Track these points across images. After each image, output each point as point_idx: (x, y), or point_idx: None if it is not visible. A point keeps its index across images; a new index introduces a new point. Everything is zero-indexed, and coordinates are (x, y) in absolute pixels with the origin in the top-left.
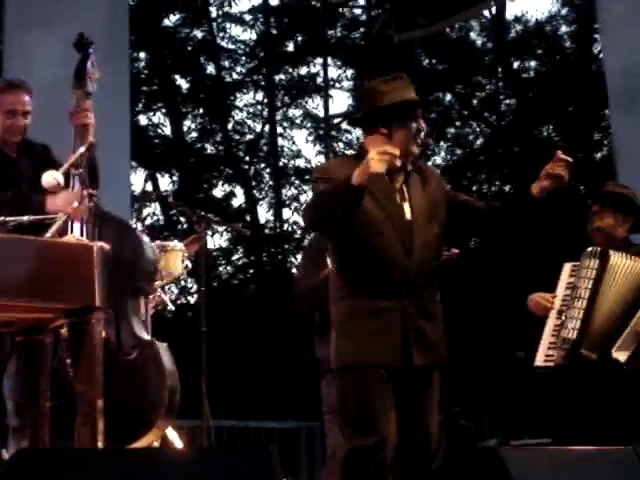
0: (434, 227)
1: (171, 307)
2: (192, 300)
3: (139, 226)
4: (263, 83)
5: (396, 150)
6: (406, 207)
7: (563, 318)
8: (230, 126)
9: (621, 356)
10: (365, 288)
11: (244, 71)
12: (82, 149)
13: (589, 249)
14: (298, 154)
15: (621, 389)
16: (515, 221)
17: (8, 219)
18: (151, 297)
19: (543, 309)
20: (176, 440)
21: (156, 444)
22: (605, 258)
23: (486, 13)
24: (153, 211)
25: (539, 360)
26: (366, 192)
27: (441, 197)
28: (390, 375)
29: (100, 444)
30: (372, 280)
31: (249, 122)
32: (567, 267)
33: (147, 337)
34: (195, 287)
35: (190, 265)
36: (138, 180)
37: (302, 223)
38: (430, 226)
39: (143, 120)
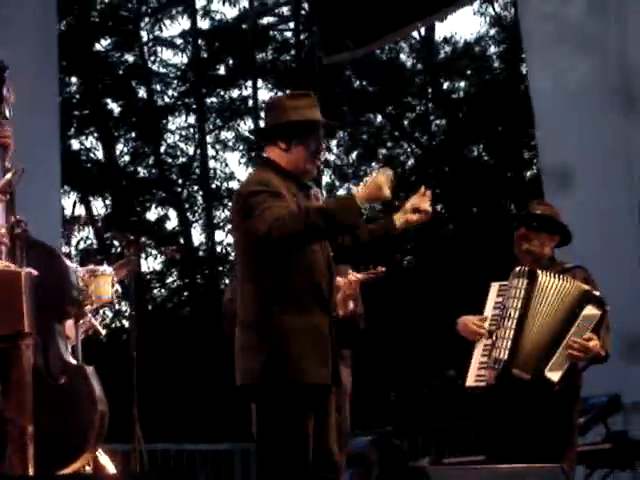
0: (327, 244)
1: (102, 332)
2: (127, 324)
3: (71, 251)
4: (195, 106)
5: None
6: None
7: (494, 338)
8: (162, 149)
9: (554, 376)
10: (301, 306)
11: (175, 94)
12: (9, 176)
13: (517, 269)
14: (231, 176)
15: (550, 408)
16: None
17: None
18: (81, 322)
19: (472, 333)
20: (108, 465)
21: (88, 469)
22: (534, 277)
23: (415, 34)
24: (87, 235)
25: (470, 380)
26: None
27: None
28: (319, 396)
29: (31, 470)
30: (307, 298)
31: (181, 145)
32: (495, 287)
33: (75, 362)
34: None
35: (120, 289)
36: (71, 204)
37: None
38: (326, 243)
39: (75, 144)
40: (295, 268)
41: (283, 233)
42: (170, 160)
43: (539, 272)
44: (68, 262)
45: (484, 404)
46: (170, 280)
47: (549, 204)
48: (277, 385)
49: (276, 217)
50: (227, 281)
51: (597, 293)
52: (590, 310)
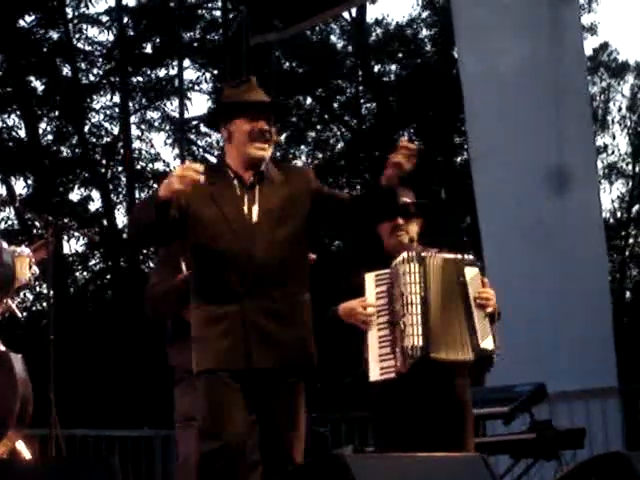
0: (286, 228)
1: (19, 314)
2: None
3: None
4: (120, 85)
5: (199, 167)
6: (254, 210)
7: (401, 326)
8: (87, 129)
9: (488, 344)
10: (207, 294)
11: (101, 73)
12: None
13: (404, 255)
14: (156, 157)
15: (452, 395)
16: (369, 211)
17: None
18: None
19: (361, 320)
20: (24, 450)
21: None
22: (423, 261)
23: (346, 16)
24: (7, 215)
25: (374, 375)
26: (207, 198)
27: (303, 194)
28: (238, 379)
29: None
30: (212, 285)
31: (106, 125)
32: (370, 277)
33: (1, 348)
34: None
35: (37, 271)
36: None
37: None
38: (281, 227)
39: None
40: (201, 260)
41: (128, 235)
42: (94, 140)
43: (425, 255)
44: (2, 243)
45: (385, 394)
46: (93, 263)
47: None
48: (198, 374)
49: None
50: (151, 264)
51: (466, 256)
52: (471, 272)
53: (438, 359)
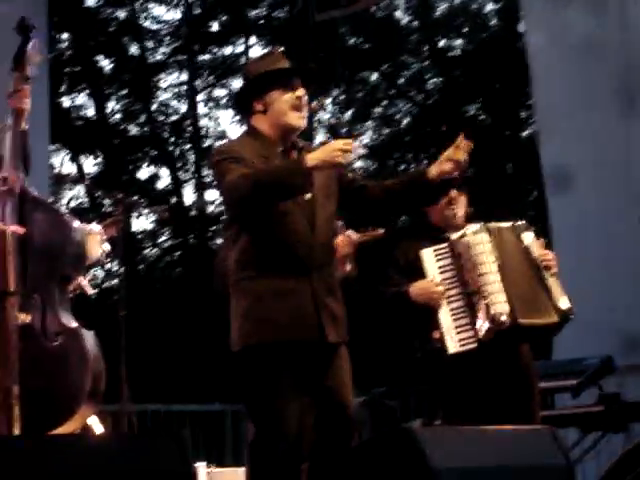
0: (332, 203)
1: (90, 291)
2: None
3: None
4: (187, 63)
5: (351, 143)
6: None
7: (484, 295)
8: (154, 107)
9: (564, 303)
10: (273, 268)
11: (168, 51)
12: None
13: (472, 227)
14: (223, 135)
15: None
16: (407, 201)
17: None
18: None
19: (434, 298)
20: (96, 426)
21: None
22: (490, 231)
23: None
24: (77, 194)
25: (453, 347)
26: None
27: (333, 175)
28: (304, 354)
29: (16, 431)
30: (280, 259)
31: (173, 103)
32: (428, 253)
33: (74, 324)
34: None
35: (108, 248)
36: (59, 163)
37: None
38: (328, 202)
39: (66, 102)
40: (268, 232)
41: (235, 197)
42: (162, 118)
43: (490, 225)
44: (73, 221)
45: (458, 366)
46: (162, 240)
47: None
48: (248, 349)
49: (230, 182)
50: (219, 241)
51: (517, 222)
52: (528, 236)
53: (527, 324)
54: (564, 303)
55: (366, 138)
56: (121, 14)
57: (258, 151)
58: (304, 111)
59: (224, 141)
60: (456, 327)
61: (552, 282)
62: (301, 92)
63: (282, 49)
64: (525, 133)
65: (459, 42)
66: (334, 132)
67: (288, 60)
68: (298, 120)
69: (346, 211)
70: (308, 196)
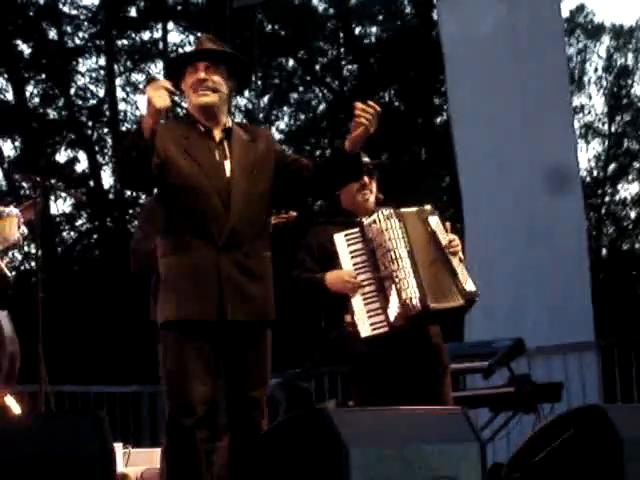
0: (258, 185)
1: (8, 273)
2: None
3: None
4: (105, 48)
5: (167, 83)
6: (226, 164)
7: (395, 281)
8: (72, 91)
9: (471, 286)
10: (182, 244)
11: (86, 36)
12: None
13: (383, 212)
14: (141, 119)
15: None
16: (335, 178)
17: None
18: None
19: (350, 287)
20: (13, 406)
21: None
22: (400, 216)
23: None
24: None
25: (366, 331)
26: (181, 150)
27: (269, 154)
28: (206, 332)
29: None
30: (188, 236)
31: (92, 87)
32: (340, 238)
33: None
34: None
35: (26, 231)
36: None
37: None
38: (253, 184)
39: None
40: (178, 211)
41: (119, 179)
42: (80, 102)
43: (399, 211)
44: None
45: (370, 348)
46: (80, 223)
47: None
48: (157, 327)
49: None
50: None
51: (424, 207)
52: (433, 220)
53: (437, 309)
54: (470, 286)
55: (282, 124)
56: None
57: (182, 132)
58: (205, 89)
59: None
60: (368, 311)
61: (458, 265)
62: (199, 74)
63: (204, 35)
64: (439, 120)
65: (374, 30)
66: (250, 117)
67: (209, 42)
68: (198, 98)
69: (280, 191)
70: (227, 175)
